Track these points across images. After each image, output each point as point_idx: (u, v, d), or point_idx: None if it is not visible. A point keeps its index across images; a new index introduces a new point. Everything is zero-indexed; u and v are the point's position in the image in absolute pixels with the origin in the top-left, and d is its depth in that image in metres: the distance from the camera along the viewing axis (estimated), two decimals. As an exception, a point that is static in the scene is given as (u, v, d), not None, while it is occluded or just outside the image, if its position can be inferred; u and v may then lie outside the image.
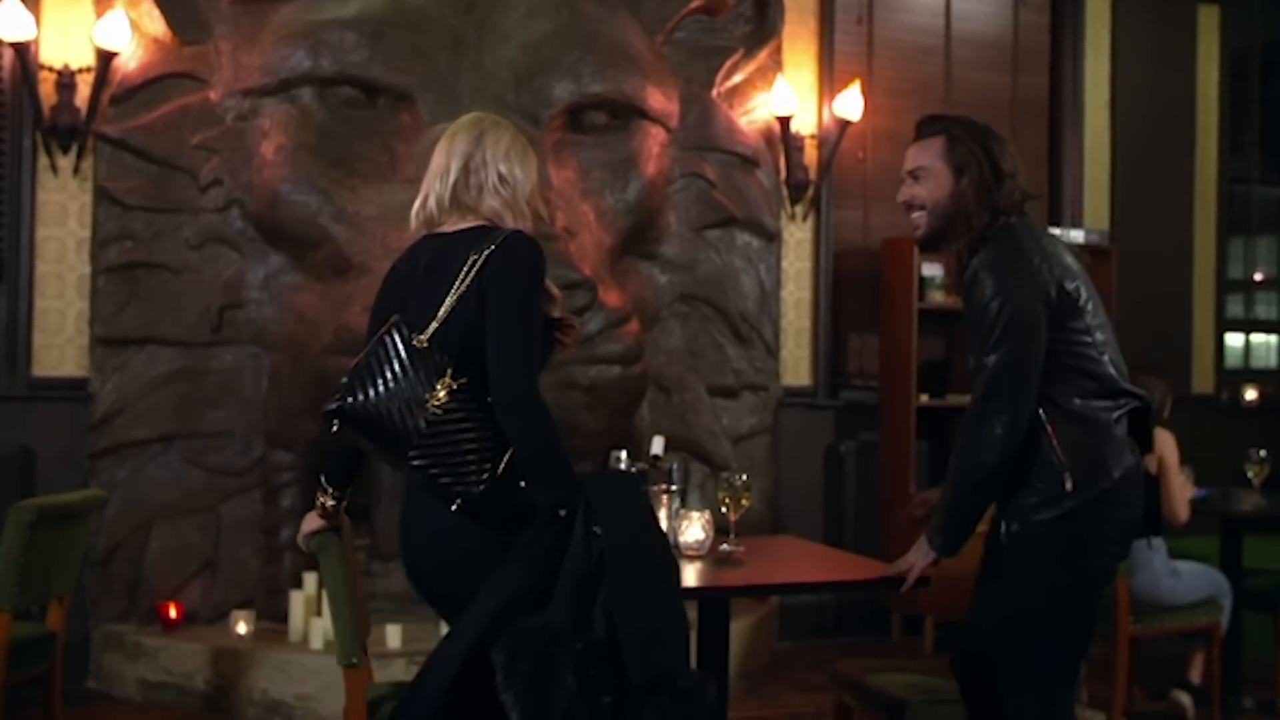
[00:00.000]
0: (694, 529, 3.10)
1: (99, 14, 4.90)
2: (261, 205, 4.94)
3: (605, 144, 5.26)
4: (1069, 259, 2.86)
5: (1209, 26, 7.17)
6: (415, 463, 2.45)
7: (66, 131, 4.94)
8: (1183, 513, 4.59)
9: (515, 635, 2.28)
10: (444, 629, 4.68)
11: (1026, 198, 2.89)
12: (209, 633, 4.88)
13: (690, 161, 5.61)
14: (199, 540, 5.02)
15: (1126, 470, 2.78)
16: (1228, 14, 7.20)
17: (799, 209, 6.10)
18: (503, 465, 2.48)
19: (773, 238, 5.86)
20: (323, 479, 2.77)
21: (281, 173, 4.88)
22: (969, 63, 6.58)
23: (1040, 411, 2.75)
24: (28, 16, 4.82)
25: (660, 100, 5.38)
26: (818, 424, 6.17)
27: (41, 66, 4.95)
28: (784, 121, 5.89)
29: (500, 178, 2.64)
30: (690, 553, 3.08)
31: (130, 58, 4.97)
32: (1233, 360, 7.35)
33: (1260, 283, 7.54)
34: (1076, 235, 6.37)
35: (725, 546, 3.18)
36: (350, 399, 2.46)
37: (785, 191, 6.02)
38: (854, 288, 6.26)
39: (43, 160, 5.01)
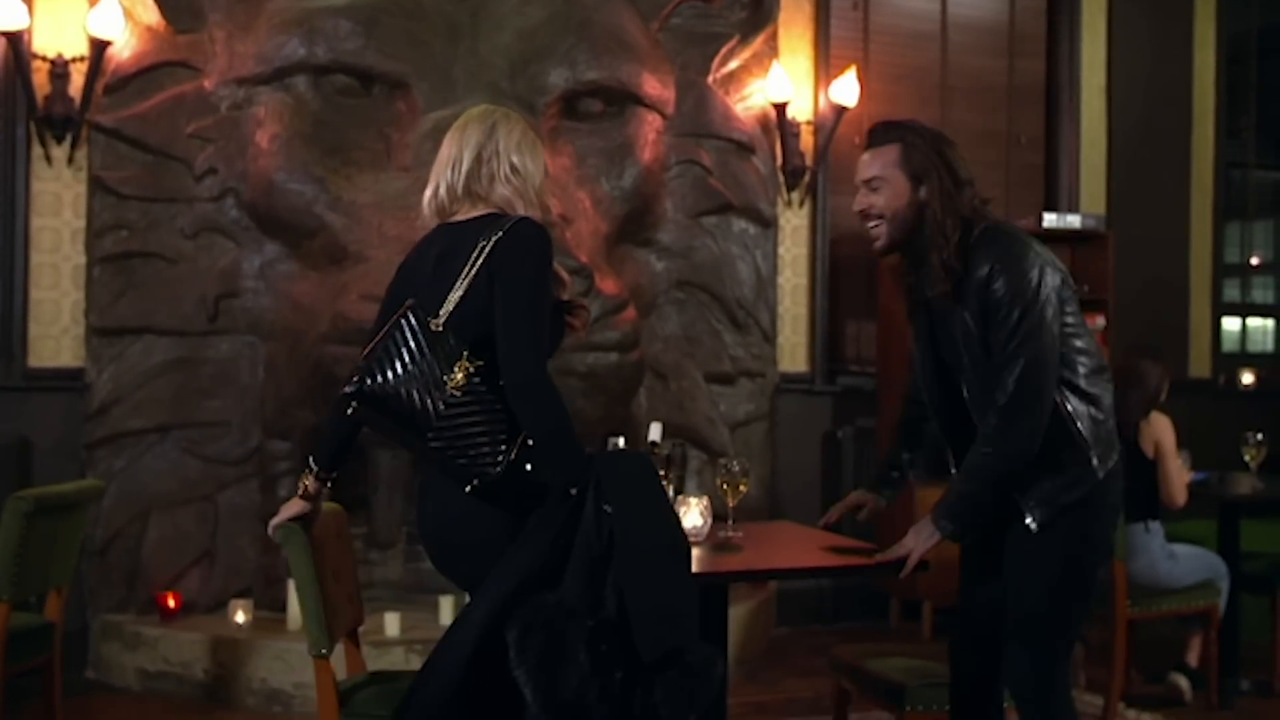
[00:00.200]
0: (692, 515, 3.10)
1: (92, 2, 4.89)
2: (257, 194, 4.93)
3: (601, 131, 5.25)
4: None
5: (1206, 11, 7.15)
6: (433, 445, 2.46)
7: (60, 121, 4.93)
8: (1180, 496, 4.60)
9: (528, 613, 2.30)
10: (443, 616, 4.71)
11: (984, 203, 2.88)
12: (207, 622, 4.89)
13: (686, 148, 5.60)
14: (196, 530, 5.02)
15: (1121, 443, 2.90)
16: (1224, -2, 7.20)
17: (795, 195, 6.09)
18: (517, 448, 2.49)
19: (769, 224, 5.86)
20: (310, 461, 2.77)
21: (277, 161, 4.87)
22: (965, 48, 6.57)
23: (1056, 396, 2.79)
24: (20, 5, 4.81)
25: (656, 87, 5.37)
26: (815, 410, 6.17)
27: (35, 56, 4.93)
28: (780, 108, 5.88)
29: (512, 168, 2.66)
30: (689, 538, 3.08)
31: (124, 46, 4.95)
32: (1229, 344, 7.35)
33: (1257, 267, 7.54)
34: (1073, 220, 6.36)
35: (724, 532, 3.18)
36: (369, 380, 2.47)
37: (781, 178, 6.02)
38: (851, 273, 6.25)
39: (37, 150, 4.99)
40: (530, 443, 2.49)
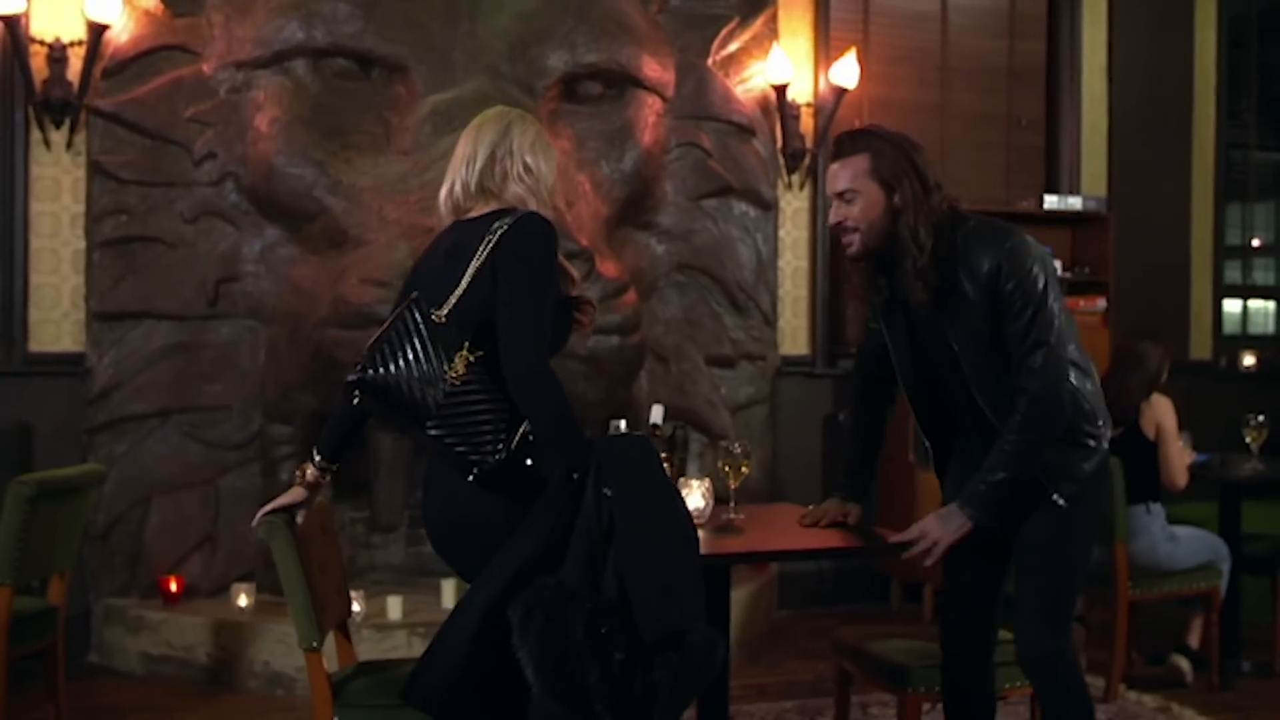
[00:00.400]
0: (694, 497, 3.10)
1: (90, -14, 4.87)
2: (256, 178, 4.92)
3: (601, 114, 5.24)
4: None
5: (1206, -9, 7.14)
6: (432, 433, 2.50)
7: (59, 105, 4.92)
8: (1181, 478, 4.60)
9: (530, 595, 2.32)
10: (445, 599, 4.71)
11: (954, 206, 2.89)
12: (210, 606, 4.90)
13: (686, 131, 5.59)
14: (198, 514, 5.03)
15: None
16: (1225, -21, 7.17)
17: (795, 178, 6.08)
18: (517, 437, 2.52)
19: (769, 207, 5.85)
20: (315, 449, 2.78)
21: (276, 145, 4.86)
22: (966, 29, 6.55)
23: None
24: (18, -11, 4.80)
25: (656, 69, 5.35)
26: (816, 393, 6.17)
27: (32, 40, 4.92)
28: (780, 90, 5.86)
29: (525, 167, 2.71)
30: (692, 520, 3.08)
31: (121, 30, 4.94)
32: (1230, 326, 7.35)
33: (1258, 248, 7.53)
34: (1074, 202, 6.36)
35: (726, 515, 3.18)
36: (370, 370, 2.51)
37: (782, 160, 6.00)
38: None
39: (35, 135, 4.98)
40: (530, 434, 2.52)
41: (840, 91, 6.00)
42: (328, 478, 2.82)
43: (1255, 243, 7.49)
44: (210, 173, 4.99)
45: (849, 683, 3.53)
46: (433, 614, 4.69)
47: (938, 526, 2.82)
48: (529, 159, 2.71)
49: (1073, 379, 2.84)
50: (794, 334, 6.13)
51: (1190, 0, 7.07)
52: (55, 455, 4.85)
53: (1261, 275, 7.58)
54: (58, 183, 5.03)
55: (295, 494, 2.82)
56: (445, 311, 2.55)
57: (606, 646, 2.30)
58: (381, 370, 2.51)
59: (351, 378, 2.53)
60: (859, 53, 6.04)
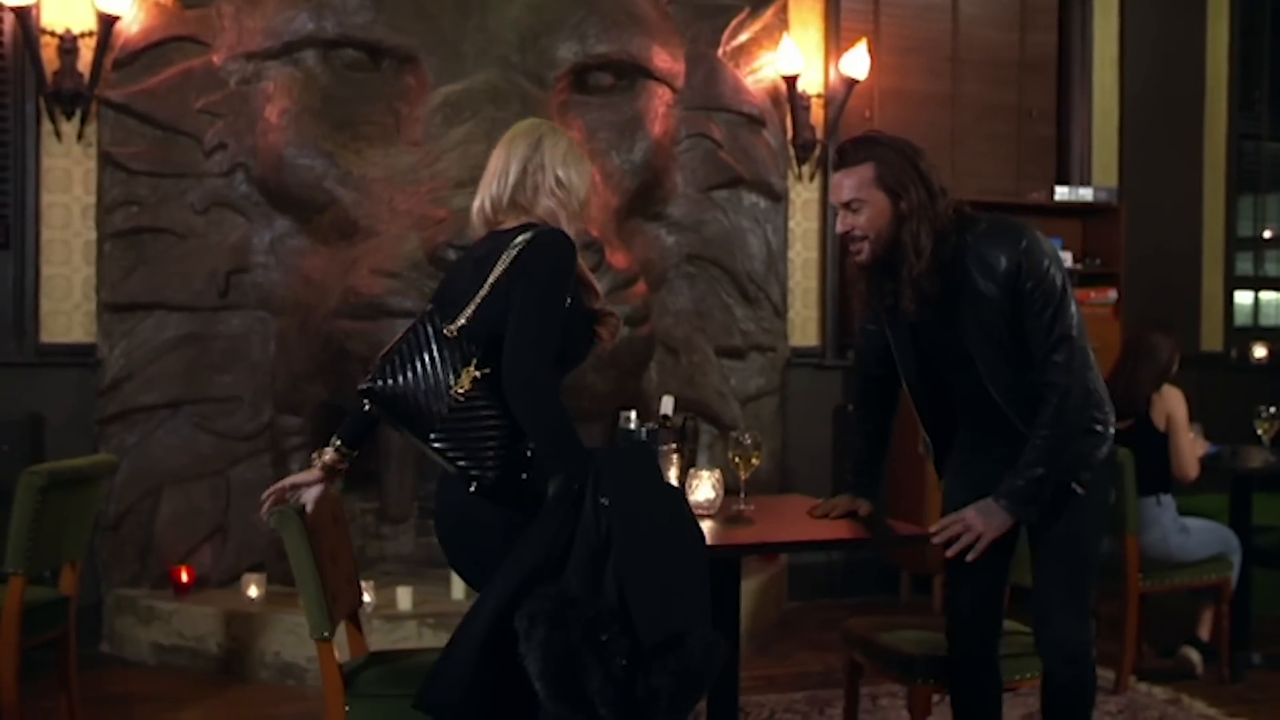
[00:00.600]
0: (704, 488, 3.10)
1: (100, -23, 4.87)
2: (266, 169, 4.92)
3: (611, 104, 5.24)
4: None
5: (1219, -18, 7.11)
6: (435, 445, 2.56)
7: (69, 96, 4.93)
8: (1192, 470, 4.59)
9: (533, 604, 2.36)
10: (455, 590, 4.72)
11: (960, 209, 2.91)
12: (220, 596, 4.91)
13: (696, 122, 5.58)
14: (209, 505, 5.04)
15: None
16: (1238, -31, 7.14)
17: (806, 169, 6.07)
18: (515, 454, 2.58)
19: (780, 198, 5.84)
20: (336, 437, 2.81)
21: (286, 136, 4.86)
22: (977, 19, 6.53)
23: None
24: (29, -20, 4.80)
25: (666, 60, 5.35)
26: (825, 384, 6.16)
27: (43, 31, 4.92)
28: (790, 81, 5.85)
29: (557, 180, 2.74)
30: (701, 512, 3.08)
31: (132, 21, 4.94)
32: (1242, 318, 7.32)
33: (1269, 240, 7.49)
34: (1085, 193, 6.35)
35: (736, 506, 3.18)
36: (381, 381, 2.58)
37: (792, 151, 5.99)
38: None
39: (46, 126, 4.99)
40: (528, 451, 2.59)
41: (851, 82, 5.98)
42: (346, 464, 2.85)
43: (1267, 234, 7.45)
44: (220, 164, 5.00)
45: (858, 674, 3.53)
46: (442, 605, 4.70)
47: (980, 521, 2.86)
48: (560, 172, 2.74)
49: None
50: (804, 325, 6.13)
51: (1202, -10, 7.05)
52: (66, 446, 4.87)
53: (1273, 267, 7.54)
54: (69, 174, 5.04)
55: (312, 474, 2.84)
56: (458, 325, 2.60)
57: (608, 652, 2.33)
58: (391, 381, 2.58)
59: (362, 386, 2.60)
60: (869, 43, 6.02)
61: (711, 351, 5.66)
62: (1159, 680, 4.58)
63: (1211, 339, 7.11)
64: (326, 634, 2.82)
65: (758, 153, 5.75)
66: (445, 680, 2.45)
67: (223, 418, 5.05)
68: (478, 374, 2.57)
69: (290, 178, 4.88)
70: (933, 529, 2.95)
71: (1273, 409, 4.87)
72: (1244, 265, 7.34)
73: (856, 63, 5.94)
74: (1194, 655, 4.68)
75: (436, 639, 4.46)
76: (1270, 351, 7.01)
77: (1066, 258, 6.12)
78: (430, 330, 2.60)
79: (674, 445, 3.22)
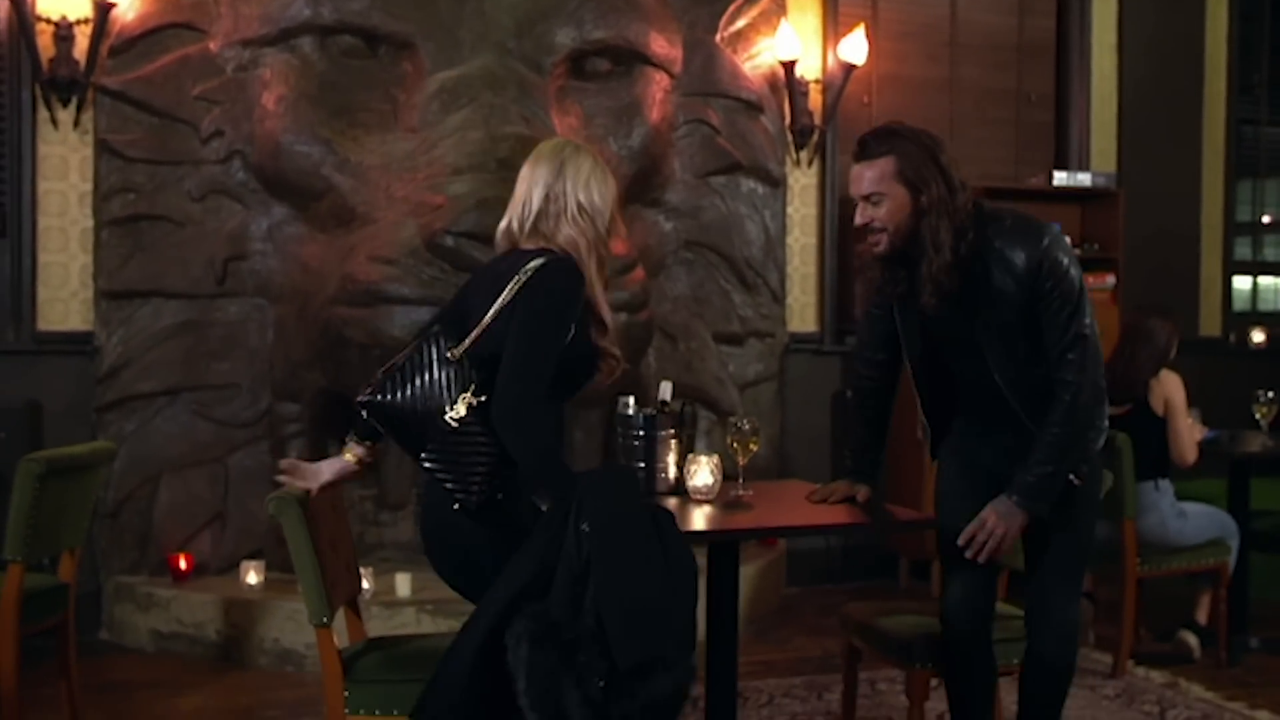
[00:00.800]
0: (702, 473, 3.10)
1: (96, -36, 4.86)
2: (264, 156, 4.92)
3: (608, 90, 5.23)
4: None
5: (1218, -34, 7.09)
6: (426, 464, 2.64)
7: (65, 84, 4.91)
8: (1190, 455, 4.60)
9: (520, 622, 2.44)
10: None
11: (980, 204, 2.93)
12: (219, 583, 4.91)
13: (694, 107, 5.57)
14: (208, 492, 5.04)
15: None
16: (1237, -47, 7.12)
17: (804, 154, 6.06)
18: (499, 479, 2.64)
19: (778, 184, 5.84)
20: (355, 434, 2.86)
21: (283, 123, 4.85)
22: (975, 4, 6.52)
23: None
24: (24, -33, 4.78)
25: (663, 46, 5.34)
26: (824, 370, 6.16)
27: (39, 18, 4.90)
28: (788, 66, 5.84)
29: (579, 207, 2.79)
30: (699, 497, 3.09)
31: (128, 8, 4.93)
32: (1240, 303, 7.32)
33: (1268, 225, 7.49)
34: (1083, 178, 6.34)
35: (735, 491, 3.18)
36: (380, 396, 2.64)
37: (790, 137, 5.99)
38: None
39: (42, 113, 4.98)
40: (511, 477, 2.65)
41: (849, 67, 5.97)
42: (374, 457, 2.91)
43: (1266, 219, 7.45)
44: (217, 151, 4.99)
45: (857, 658, 3.54)
46: (440, 591, 4.64)
47: (998, 521, 2.92)
48: (582, 197, 2.78)
49: None
50: (802, 311, 6.12)
51: (1201, -26, 7.03)
52: (64, 433, 4.87)
53: (1272, 252, 7.54)
54: (65, 161, 5.03)
55: (346, 465, 2.89)
56: (463, 349, 2.65)
57: (586, 673, 2.41)
58: (390, 397, 2.64)
59: (363, 399, 2.66)
60: (867, 28, 6.01)
61: (710, 337, 5.66)
62: (1156, 664, 4.60)
63: (1210, 324, 7.11)
64: (325, 620, 2.83)
65: (756, 138, 5.74)
66: (441, 689, 2.52)
67: (221, 405, 5.04)
68: (474, 400, 2.62)
69: (287, 165, 4.87)
70: (960, 541, 2.99)
71: (1271, 394, 4.87)
72: (1242, 250, 7.34)
73: (854, 48, 5.93)
74: (1191, 639, 4.70)
75: (435, 625, 4.47)
76: (1269, 336, 7.02)
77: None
78: (434, 351, 2.65)
79: (672, 431, 3.23)
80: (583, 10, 5.09)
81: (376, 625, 4.25)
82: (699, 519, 2.97)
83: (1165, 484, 4.61)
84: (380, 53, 4.97)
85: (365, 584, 4.54)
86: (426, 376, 2.63)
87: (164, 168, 4.97)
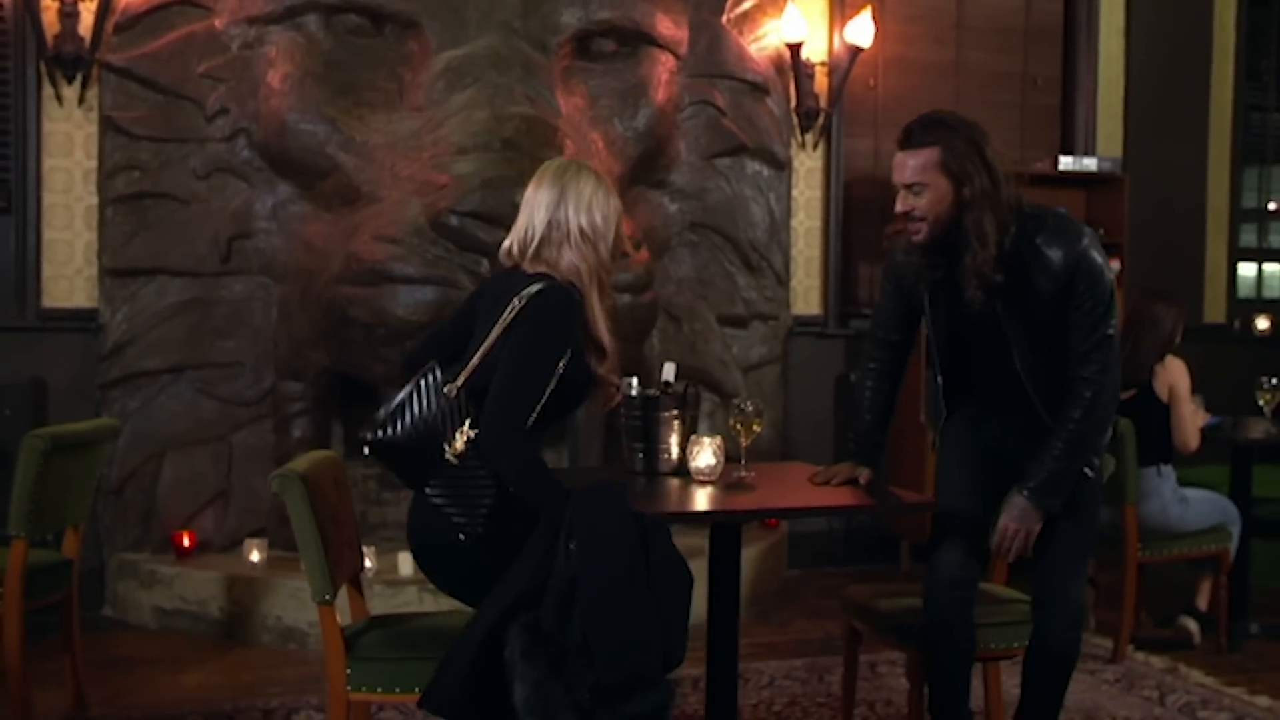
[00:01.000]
0: (705, 454, 3.10)
1: (101, -60, 4.84)
2: (269, 134, 4.91)
3: (614, 71, 5.21)
4: None
5: (1227, -51, 7.05)
6: (434, 498, 2.73)
7: (70, 61, 4.91)
8: (1193, 441, 4.60)
9: (516, 629, 2.53)
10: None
11: (1019, 199, 2.94)
12: (222, 561, 4.93)
13: (700, 89, 5.55)
14: (211, 470, 5.05)
15: None
16: (1246, -64, 7.09)
17: (809, 137, 6.05)
18: (511, 505, 2.71)
19: (783, 166, 5.83)
20: None
21: (288, 101, 4.85)
22: (982, -13, 6.49)
23: None
24: (29, -57, 4.77)
25: (669, 27, 5.32)
26: (827, 353, 6.16)
27: (44, -6, 4.90)
28: (794, 48, 5.82)
29: (581, 232, 2.81)
30: (702, 478, 3.09)
31: (133, -15, 4.92)
32: (1245, 289, 7.31)
33: (1274, 212, 7.47)
34: (1089, 163, 6.32)
35: (737, 473, 3.18)
36: (381, 432, 2.72)
37: (795, 119, 5.97)
38: (864, 216, 6.22)
39: (47, 90, 4.98)
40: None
41: (855, 50, 5.95)
42: None
43: (1272, 206, 7.43)
44: (222, 129, 4.98)
45: (858, 640, 3.55)
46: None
47: (1018, 526, 3.00)
48: (584, 222, 2.81)
49: None
50: (806, 294, 6.12)
51: (1210, -42, 7.00)
52: (69, 411, 4.88)
53: (1277, 238, 7.52)
54: (70, 138, 5.03)
55: None
56: (460, 383, 2.71)
57: (574, 683, 2.49)
58: (392, 432, 2.71)
59: (365, 436, 2.74)
60: (874, 11, 5.99)
61: (713, 320, 5.66)
62: (1157, 650, 4.60)
63: (1214, 310, 7.10)
64: (328, 597, 2.84)
65: (761, 121, 5.73)
66: (446, 678, 2.60)
67: (225, 383, 5.05)
68: (472, 434, 2.69)
69: (292, 143, 4.86)
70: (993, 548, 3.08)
71: (1274, 380, 4.86)
72: (1248, 237, 7.32)
73: (861, 30, 5.91)
74: (1192, 625, 4.70)
75: (437, 604, 4.47)
76: (1273, 323, 7.00)
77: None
78: (432, 385, 2.72)
79: (675, 412, 3.23)
80: (589, -10, 5.08)
81: (379, 604, 4.26)
82: (701, 500, 2.98)
83: (1168, 470, 4.61)
84: (386, 31, 4.96)
85: (368, 562, 4.56)
86: (424, 412, 2.70)
87: (169, 145, 4.97)
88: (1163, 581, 5.15)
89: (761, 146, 5.72)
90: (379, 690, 2.86)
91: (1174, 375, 4.59)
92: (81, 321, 5.03)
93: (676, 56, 5.41)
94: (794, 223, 6.01)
